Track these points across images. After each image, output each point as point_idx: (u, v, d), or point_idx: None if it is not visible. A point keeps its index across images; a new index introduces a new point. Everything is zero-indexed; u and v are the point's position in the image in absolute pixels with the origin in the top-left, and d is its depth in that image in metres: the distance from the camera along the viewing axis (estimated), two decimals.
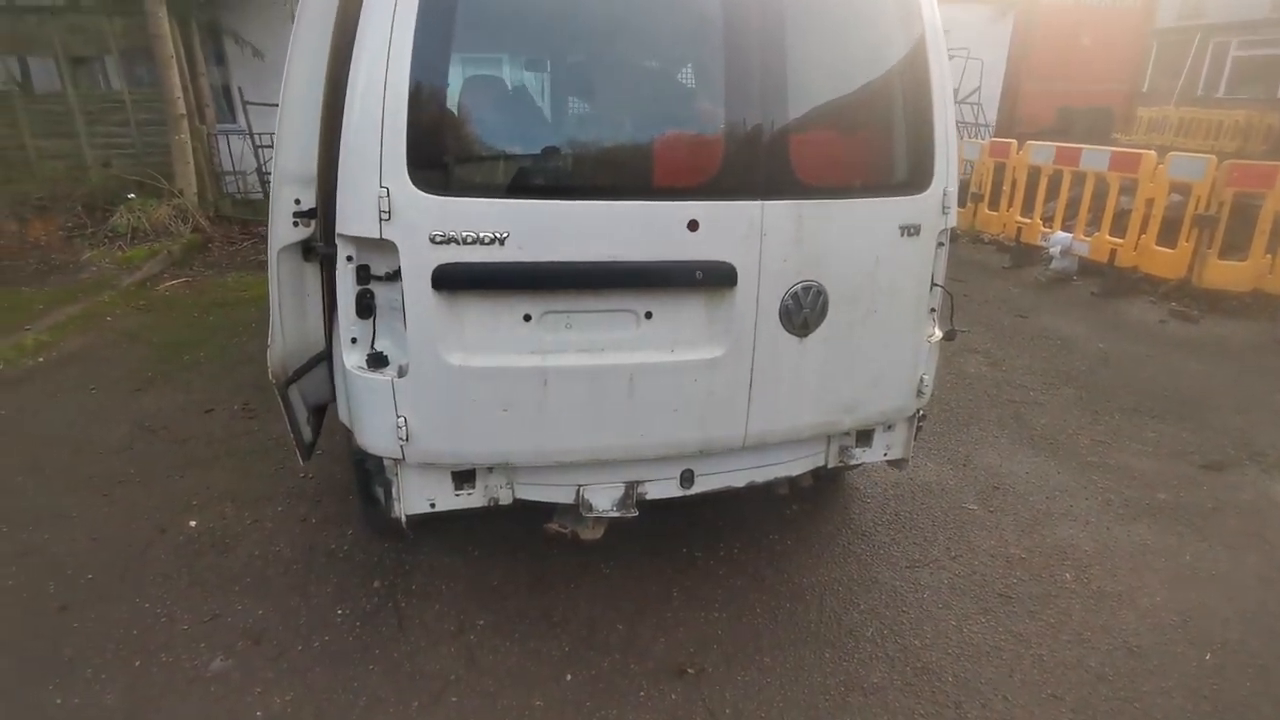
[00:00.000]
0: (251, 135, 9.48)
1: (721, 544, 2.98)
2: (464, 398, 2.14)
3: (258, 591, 2.68)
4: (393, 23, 1.90)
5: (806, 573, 2.84)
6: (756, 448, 2.44)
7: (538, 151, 2.10)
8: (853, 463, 2.71)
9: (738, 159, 2.12)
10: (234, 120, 9.94)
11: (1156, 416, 4.30)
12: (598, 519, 2.41)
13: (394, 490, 2.29)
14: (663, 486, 2.44)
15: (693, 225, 2.10)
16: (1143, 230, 6.47)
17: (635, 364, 2.19)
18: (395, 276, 2.10)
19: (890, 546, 3.03)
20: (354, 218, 2.03)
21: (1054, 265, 7.26)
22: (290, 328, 2.45)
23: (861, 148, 2.30)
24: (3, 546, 2.91)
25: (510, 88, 2.07)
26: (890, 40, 2.29)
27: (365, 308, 2.15)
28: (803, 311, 2.28)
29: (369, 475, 2.42)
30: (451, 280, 2.03)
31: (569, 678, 2.31)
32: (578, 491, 2.37)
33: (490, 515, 2.47)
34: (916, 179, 2.36)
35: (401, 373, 2.14)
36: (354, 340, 2.19)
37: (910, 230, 2.37)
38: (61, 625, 2.48)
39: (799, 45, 2.14)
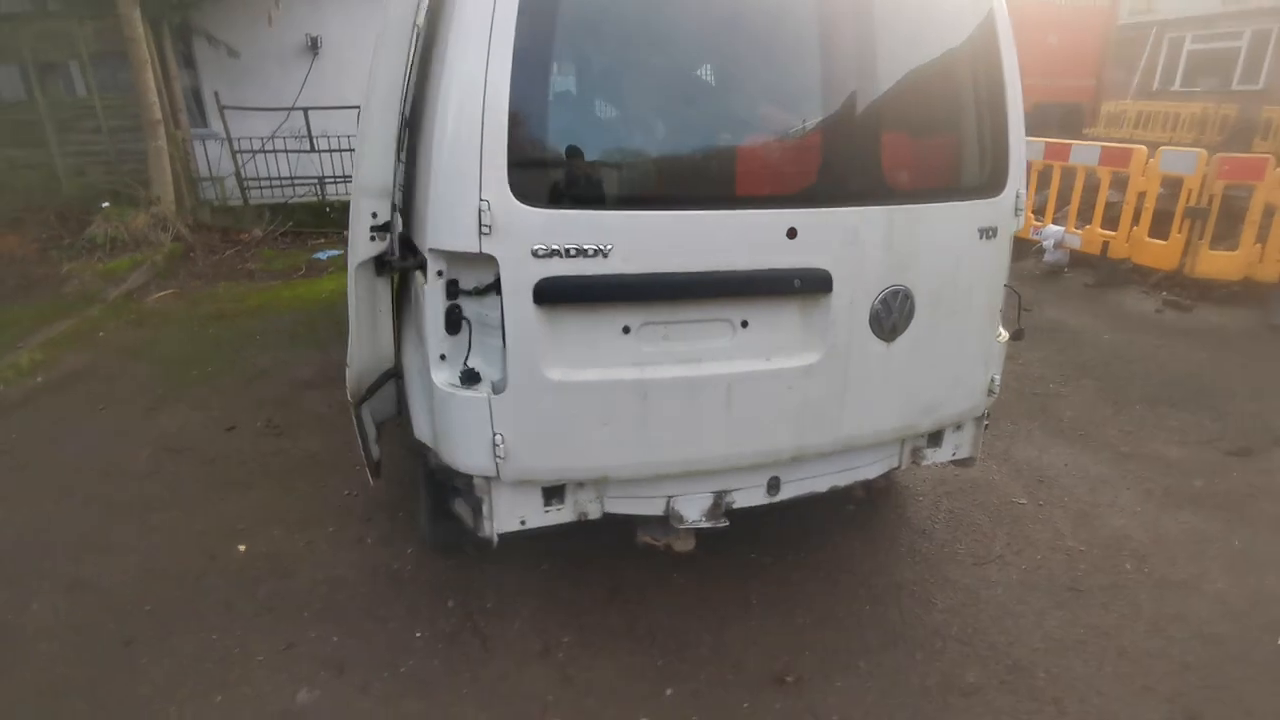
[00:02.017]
0: (230, 140, 9.21)
1: (789, 548, 2.97)
2: (564, 413, 2.10)
3: (329, 618, 2.59)
4: (491, 30, 1.85)
5: (879, 574, 2.85)
6: (843, 452, 2.44)
7: (641, 161, 2.07)
8: (924, 463, 2.73)
9: (835, 165, 2.12)
10: (206, 125, 9.64)
11: (1175, 405, 4.41)
12: (689, 530, 2.39)
13: (485, 508, 2.23)
14: (750, 495, 2.43)
15: (791, 233, 2.09)
16: (1134, 223, 6.65)
17: (733, 373, 2.17)
18: (486, 290, 2.05)
19: (952, 544, 3.06)
20: (448, 232, 1.97)
21: (1047, 258, 7.41)
22: (364, 345, 2.37)
23: (945, 151, 2.31)
24: (51, 580, 2.77)
25: (612, 95, 2.02)
26: (969, 41, 2.30)
27: (454, 323, 2.10)
28: (891, 316, 2.28)
29: (453, 493, 2.37)
30: (554, 294, 1.98)
31: (669, 693, 2.28)
32: (668, 503, 2.35)
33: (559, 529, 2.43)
34: (993, 181, 2.38)
35: (497, 389, 2.08)
36: (443, 357, 2.13)
37: (988, 233, 2.39)
38: (130, 662, 2.37)
39: (889, 49, 2.14)
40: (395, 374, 2.53)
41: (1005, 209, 2.41)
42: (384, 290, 2.37)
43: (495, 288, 2.04)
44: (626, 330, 2.08)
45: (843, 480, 2.56)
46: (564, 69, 1.94)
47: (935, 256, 2.32)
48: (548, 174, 1.98)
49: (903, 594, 2.74)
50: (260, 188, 9.48)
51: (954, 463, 2.81)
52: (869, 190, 2.16)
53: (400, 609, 2.64)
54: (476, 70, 1.86)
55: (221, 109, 9.02)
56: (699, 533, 2.43)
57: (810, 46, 2.06)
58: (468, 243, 1.95)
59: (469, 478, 2.21)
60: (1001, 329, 2.68)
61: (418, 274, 2.22)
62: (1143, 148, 6.70)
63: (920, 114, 2.23)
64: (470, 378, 2.11)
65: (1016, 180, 2.41)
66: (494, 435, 2.09)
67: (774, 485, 2.44)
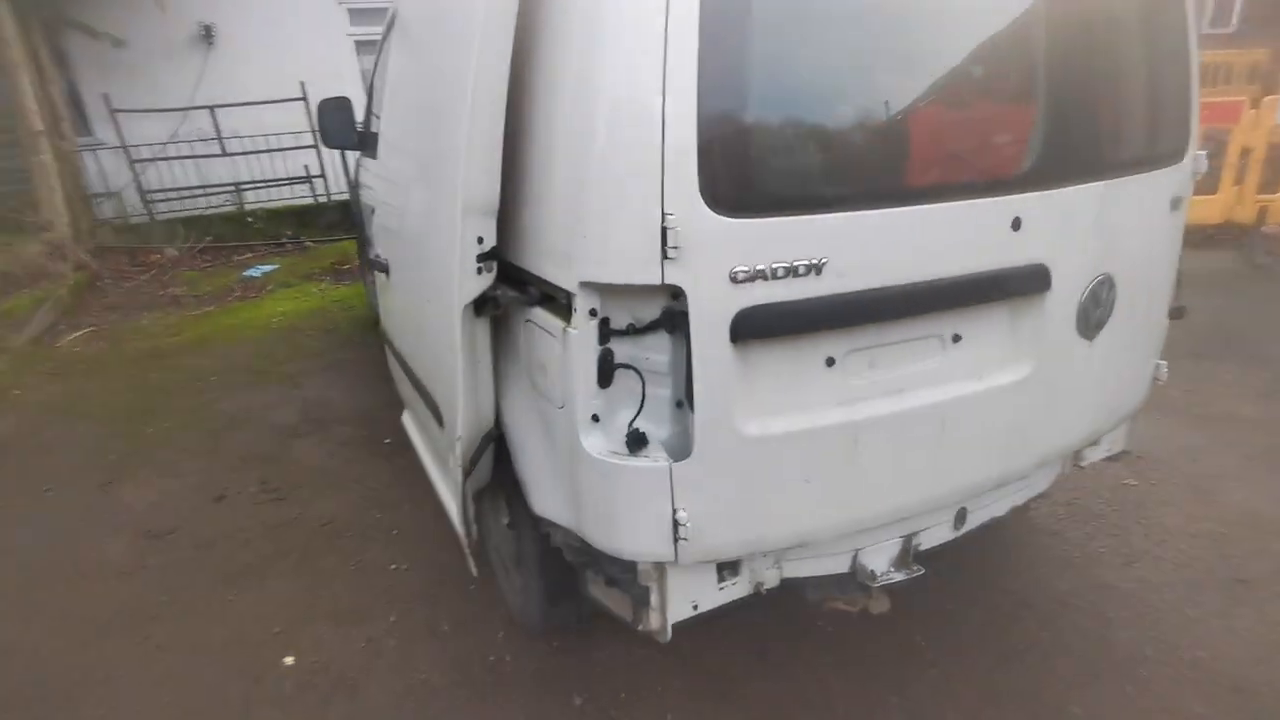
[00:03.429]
0: (126, 148, 8.07)
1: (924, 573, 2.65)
2: (762, 474, 1.66)
3: None
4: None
5: (1036, 589, 2.57)
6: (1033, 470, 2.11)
7: (858, 146, 1.62)
8: (1083, 464, 2.44)
9: (1057, 139, 1.75)
10: (92, 133, 8.42)
11: (1216, 358, 4.34)
12: (882, 586, 2.00)
13: (654, 598, 1.78)
14: (937, 532, 2.06)
15: (1016, 224, 1.71)
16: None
17: (946, 400, 1.78)
18: (648, 329, 1.59)
19: (1090, 544, 2.81)
20: (614, 259, 1.49)
21: None
22: (468, 406, 1.85)
23: (1143, 114, 1.98)
24: None
25: (823, 66, 1.56)
26: None
27: (607, 374, 1.62)
28: (1098, 310, 1.95)
29: (591, 577, 1.91)
30: (756, 328, 1.53)
31: None
32: (854, 557, 1.95)
33: None
34: (1178, 146, 2.07)
35: (676, 454, 1.63)
36: (595, 418, 1.65)
37: (1176, 203, 2.09)
38: None
39: (1094, 4, 1.77)
40: (495, 437, 2.02)
41: (1187, 176, 2.11)
42: (483, 334, 1.85)
43: (662, 323, 1.58)
44: (831, 362, 1.66)
45: (1020, 499, 2.24)
46: (763, 33, 1.47)
47: (1136, 235, 2.00)
48: (750, 172, 1.51)
49: (1071, 611, 2.46)
50: (167, 200, 8.40)
51: (1107, 459, 2.54)
52: (1086, 165, 1.81)
53: (518, 713, 2.16)
54: (650, 40, 1.38)
55: (113, 113, 7.87)
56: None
57: (1023, 14, 1.68)
58: (643, 272, 1.47)
59: (630, 564, 1.75)
60: None
61: (537, 311, 1.73)
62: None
63: (1123, 74, 1.88)
64: (637, 441, 1.64)
65: (1194, 143, 2.12)
66: (675, 512, 1.64)
67: (961, 517, 2.08)
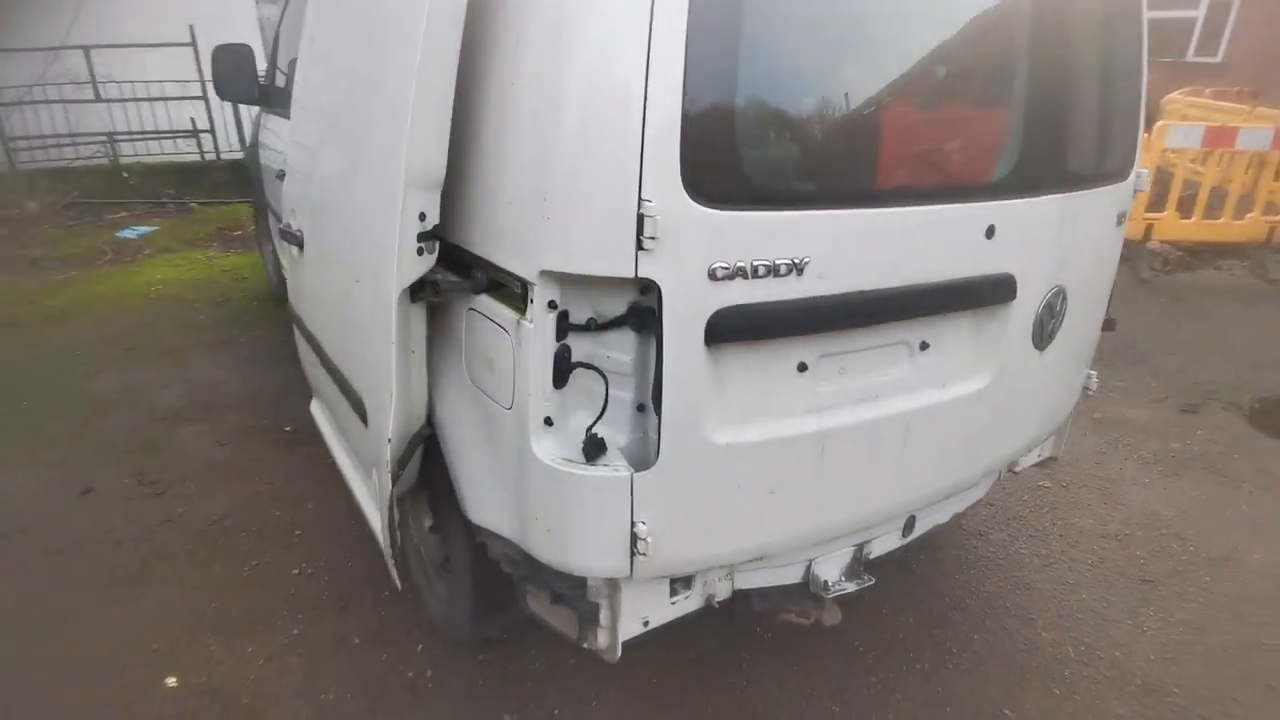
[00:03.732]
0: None
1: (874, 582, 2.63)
2: (728, 486, 1.55)
3: None
4: None
5: (965, 591, 2.60)
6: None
7: (846, 142, 1.51)
8: (1017, 470, 2.48)
9: (1030, 149, 1.71)
10: None
11: (1110, 366, 4.61)
12: (835, 597, 1.94)
13: (604, 615, 1.64)
14: (887, 540, 2.03)
15: (990, 232, 1.66)
16: None
17: (913, 409, 1.72)
18: (608, 325, 1.44)
19: (1013, 545, 2.88)
20: (582, 247, 1.33)
21: None
22: (400, 405, 1.64)
23: (1101, 128, 1.98)
24: None
25: (816, 53, 1.44)
26: (1120, 8, 1.97)
27: (563, 373, 1.46)
28: (1052, 321, 1.95)
29: (531, 589, 1.75)
30: (732, 331, 1.41)
31: None
32: (808, 568, 1.88)
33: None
34: (1126, 162, 2.10)
35: (638, 463, 1.49)
36: (548, 421, 1.48)
37: (1121, 218, 2.13)
38: None
39: (1070, 14, 1.75)
40: (425, 437, 1.81)
41: (1129, 192, 2.15)
42: (418, 323, 1.64)
43: (627, 320, 1.44)
44: (803, 368, 1.56)
45: (962, 505, 2.24)
46: (758, 9, 1.33)
47: (1086, 248, 2.01)
48: (737, 159, 1.37)
49: (999, 613, 2.51)
50: (30, 148, 7.44)
51: (1038, 465, 2.59)
52: (1054, 176, 1.79)
53: None
54: (634, 15, 1.21)
55: None
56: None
57: (1018, 8, 1.62)
58: (613, 263, 1.32)
59: (580, 580, 1.60)
60: None
61: (483, 300, 1.54)
62: None
63: (1088, 87, 1.87)
64: (595, 448, 1.49)
65: (1136, 160, 2.16)
66: (633, 526, 1.50)
67: (909, 525, 2.05)
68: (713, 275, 1.36)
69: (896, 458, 1.75)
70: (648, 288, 1.38)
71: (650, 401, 1.47)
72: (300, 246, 2.12)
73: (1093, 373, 2.43)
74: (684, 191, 1.29)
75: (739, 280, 1.38)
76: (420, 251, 1.48)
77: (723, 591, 1.81)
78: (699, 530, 1.58)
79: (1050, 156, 1.76)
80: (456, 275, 1.59)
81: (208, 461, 3.23)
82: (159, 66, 7.41)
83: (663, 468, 1.47)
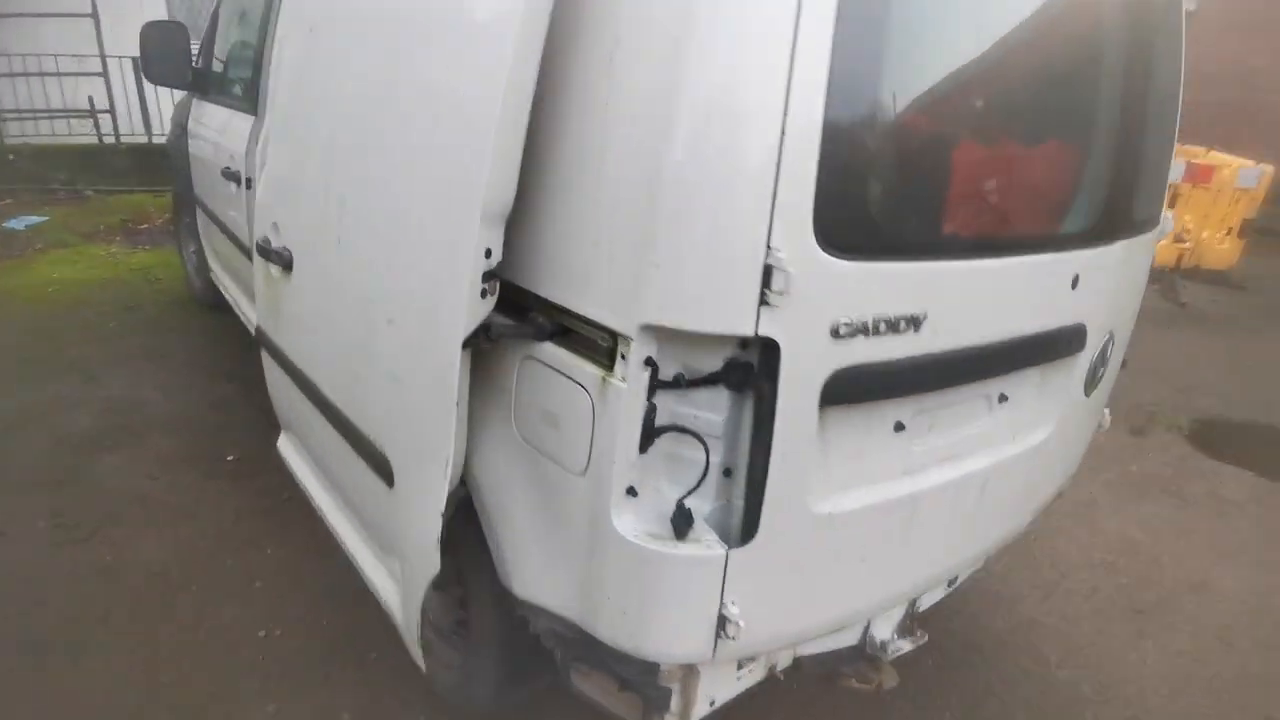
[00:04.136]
0: None
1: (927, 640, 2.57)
2: (824, 558, 1.41)
3: None
4: None
5: (973, 628, 2.57)
6: None
7: (980, 184, 1.38)
8: None
9: (1113, 195, 1.66)
10: None
11: None
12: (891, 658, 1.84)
13: (675, 702, 1.46)
14: (934, 593, 1.95)
15: (1075, 282, 1.59)
16: None
17: (991, 464, 1.64)
18: (699, 382, 1.27)
19: (1010, 576, 2.88)
20: (699, 301, 1.16)
21: None
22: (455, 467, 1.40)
23: (1154, 171, 1.96)
24: None
25: (959, 88, 1.31)
26: (1165, 60, 1.96)
27: (649, 436, 1.28)
28: (1101, 368, 1.92)
29: (584, 669, 1.56)
30: (850, 391, 1.27)
31: None
32: (866, 629, 1.77)
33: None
34: (1160, 206, 2.11)
35: (732, 539, 1.32)
36: (631, 491, 1.30)
37: (1152, 264, 2.13)
38: None
39: (1145, 67, 1.70)
40: (461, 500, 1.57)
41: (1159, 235, 2.16)
42: (464, 372, 1.41)
43: (721, 377, 1.27)
44: (900, 427, 1.44)
45: (994, 549, 2.19)
46: (904, 34, 1.18)
47: (1130, 294, 1.99)
48: (871, 204, 1.23)
49: (1012, 651, 2.49)
50: None
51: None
52: (1125, 223, 1.74)
53: None
54: (778, 24, 1.05)
55: None
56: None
57: (1112, 61, 1.56)
58: (733, 320, 1.15)
59: (652, 665, 1.42)
60: None
61: (548, 349, 1.34)
62: None
63: (1151, 130, 1.84)
64: (683, 521, 1.31)
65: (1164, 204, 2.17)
66: (722, 606, 1.34)
67: (953, 577, 1.98)
68: (835, 333, 1.21)
69: (972, 512, 1.67)
70: (748, 342, 1.22)
71: (742, 467, 1.31)
72: (285, 267, 1.83)
73: (1107, 410, 2.44)
74: (814, 239, 1.14)
75: (860, 338, 1.24)
76: (484, 294, 1.26)
77: (785, 660, 1.67)
78: (788, 606, 1.43)
79: (1125, 203, 1.72)
80: (511, 319, 1.37)
81: (137, 498, 2.82)
82: (56, 38, 6.60)
83: (760, 543, 1.30)
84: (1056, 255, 1.53)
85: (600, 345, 1.26)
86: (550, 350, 1.34)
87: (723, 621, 1.34)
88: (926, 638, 1.87)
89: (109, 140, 7.22)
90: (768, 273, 1.12)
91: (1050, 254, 1.51)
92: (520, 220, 1.30)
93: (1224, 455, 4.03)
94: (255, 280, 2.10)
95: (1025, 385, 1.68)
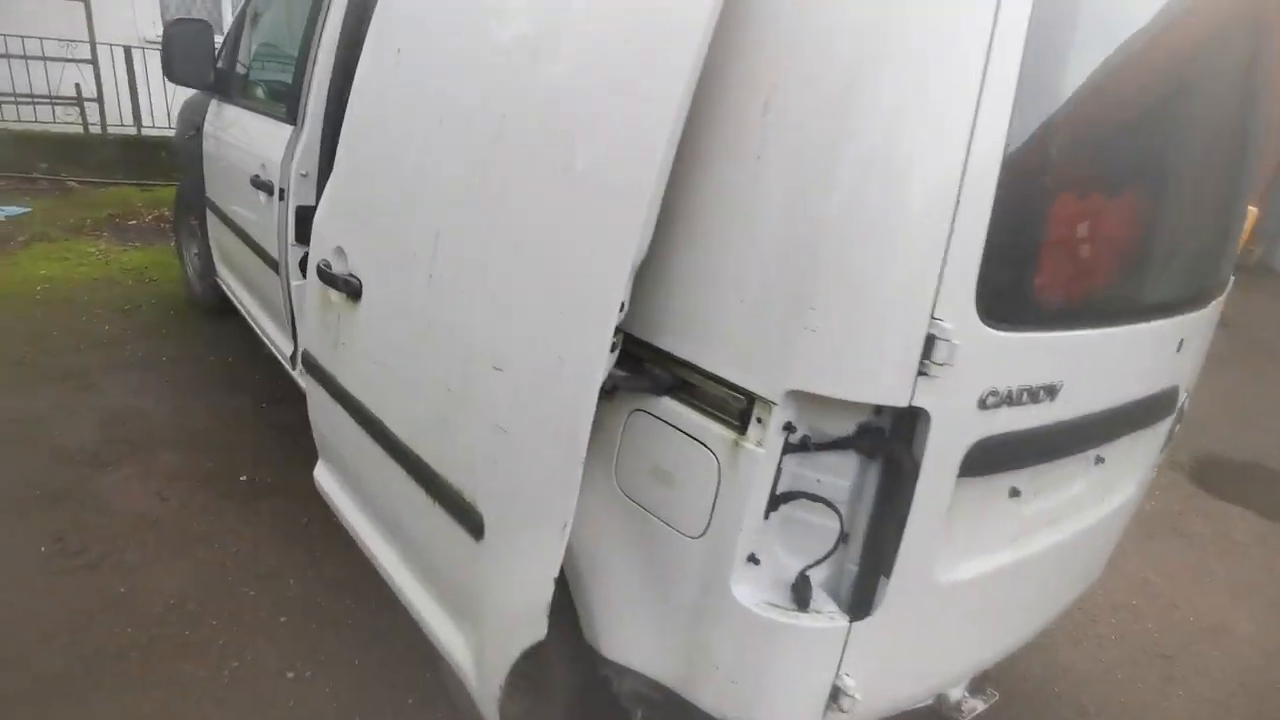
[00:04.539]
0: None
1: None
2: (938, 627, 1.37)
3: None
4: (990, 45, 1.01)
5: (1010, 675, 2.55)
6: None
7: (1133, 251, 1.36)
8: None
9: (1216, 254, 1.66)
10: None
11: None
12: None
13: None
14: None
15: (1180, 345, 1.58)
16: None
17: (1087, 525, 1.62)
18: (827, 446, 1.22)
19: None
20: (856, 369, 1.11)
21: None
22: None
23: (1238, 232, 1.97)
24: None
25: (1120, 150, 1.28)
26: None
27: (774, 501, 1.23)
28: (1178, 427, 1.92)
29: None
30: (989, 461, 1.24)
31: None
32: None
33: None
34: (1231, 265, 2.12)
35: (854, 609, 1.27)
36: (753, 559, 1.24)
37: None
38: None
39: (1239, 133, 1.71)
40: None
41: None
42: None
43: (852, 442, 1.22)
44: (1015, 493, 1.40)
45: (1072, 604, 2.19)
46: (1073, 114, 1.15)
47: (1203, 351, 2.00)
48: (1027, 275, 1.19)
49: (1053, 700, 2.48)
50: None
51: None
52: (1216, 284, 1.75)
53: None
54: (962, 93, 1.01)
55: None
56: None
57: (1240, 121, 1.56)
58: (889, 390, 1.10)
59: None
60: None
61: (667, 404, 1.28)
62: None
63: (1244, 197, 1.84)
64: (805, 591, 1.26)
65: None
66: (837, 678, 1.28)
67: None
68: (983, 403, 1.17)
69: (1063, 572, 1.65)
70: (883, 408, 1.18)
71: (862, 535, 1.26)
72: (352, 296, 1.74)
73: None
74: (975, 308, 1.10)
75: (1004, 408, 1.20)
76: (613, 347, 1.20)
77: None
78: (897, 675, 1.39)
79: (1221, 261, 1.72)
80: (623, 370, 1.31)
81: (147, 521, 2.67)
82: (40, 21, 6.34)
83: (884, 615, 1.26)
84: (1170, 320, 1.51)
85: (730, 405, 1.20)
86: (667, 405, 1.28)
87: (836, 693, 1.29)
88: (997, 696, 1.83)
89: (95, 130, 6.95)
90: (929, 343, 1.07)
91: (1166, 319, 1.50)
92: (642, 270, 1.24)
93: (1227, 495, 4.11)
94: (307, 302, 1.99)
95: (1120, 446, 1.66)
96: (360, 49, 2.70)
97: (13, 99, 6.57)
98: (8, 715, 1.89)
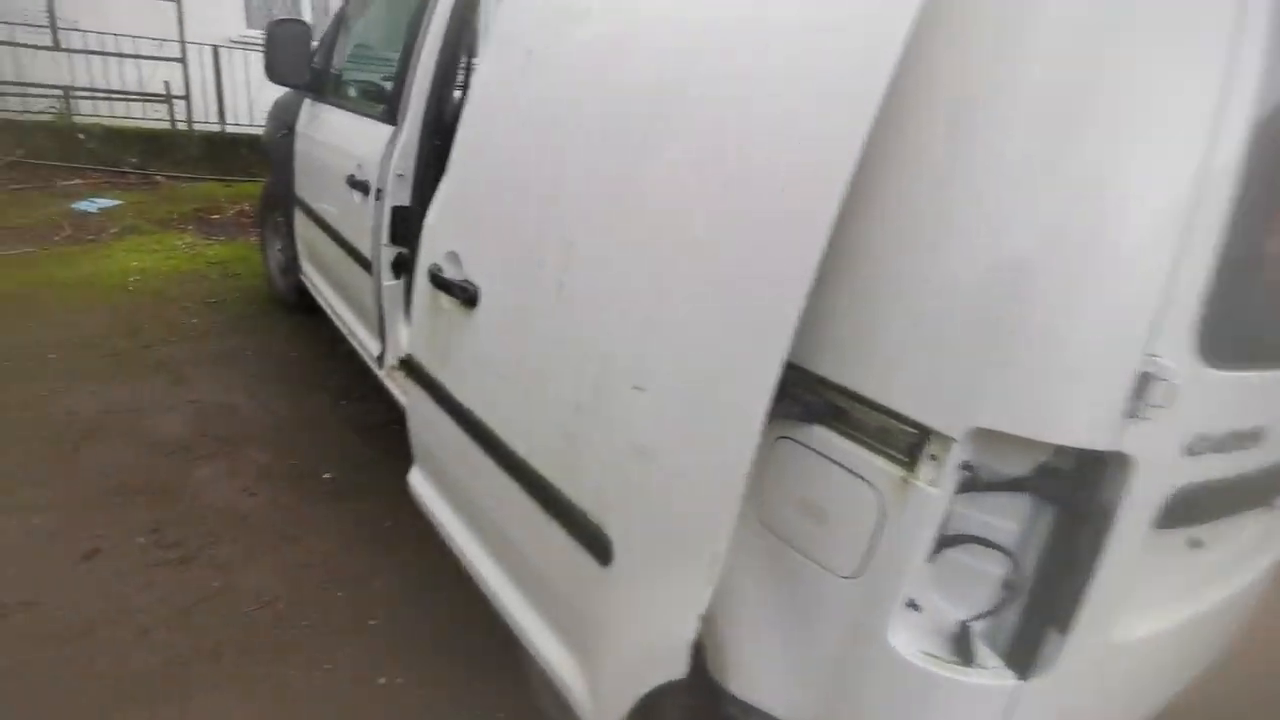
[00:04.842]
0: None
1: None
2: (1105, 687, 1.24)
3: None
4: (1238, 37, 0.90)
5: None
6: None
7: None
8: None
9: None
10: None
11: None
12: None
13: None
14: None
15: None
16: None
17: (1255, 578, 1.47)
18: (997, 486, 1.11)
19: None
20: (1056, 409, 1.00)
21: None
22: None
23: None
24: None
25: None
26: None
27: (939, 544, 1.13)
28: None
29: None
30: (1184, 512, 1.11)
31: None
32: None
33: None
34: None
35: (1021, 668, 1.16)
36: (913, 604, 1.14)
37: None
38: None
39: None
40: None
41: None
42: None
43: (1025, 483, 1.11)
44: (1196, 544, 1.27)
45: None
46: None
47: None
48: (1249, 308, 1.07)
49: None
50: None
51: None
52: None
53: None
54: (1197, 114, 0.90)
55: None
56: None
57: None
58: (1093, 432, 0.99)
59: None
60: None
61: (818, 433, 1.19)
62: None
63: None
64: (965, 642, 1.16)
65: None
66: None
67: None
68: (1190, 449, 1.05)
69: (1224, 623, 1.50)
70: (1061, 448, 1.07)
71: (1029, 586, 1.15)
72: (467, 303, 1.69)
73: None
74: (1193, 344, 0.98)
75: (1209, 455, 1.08)
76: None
77: None
78: None
79: None
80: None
81: (236, 516, 2.69)
82: (135, 18, 6.58)
83: (1057, 674, 1.14)
84: None
85: (897, 438, 1.11)
86: (821, 435, 1.19)
87: None
88: None
89: (181, 126, 7.19)
90: (1144, 382, 0.96)
91: None
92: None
93: None
94: (414, 307, 1.96)
95: None
96: (457, 53, 2.68)
97: (105, 95, 6.83)
98: (115, 715, 1.90)
